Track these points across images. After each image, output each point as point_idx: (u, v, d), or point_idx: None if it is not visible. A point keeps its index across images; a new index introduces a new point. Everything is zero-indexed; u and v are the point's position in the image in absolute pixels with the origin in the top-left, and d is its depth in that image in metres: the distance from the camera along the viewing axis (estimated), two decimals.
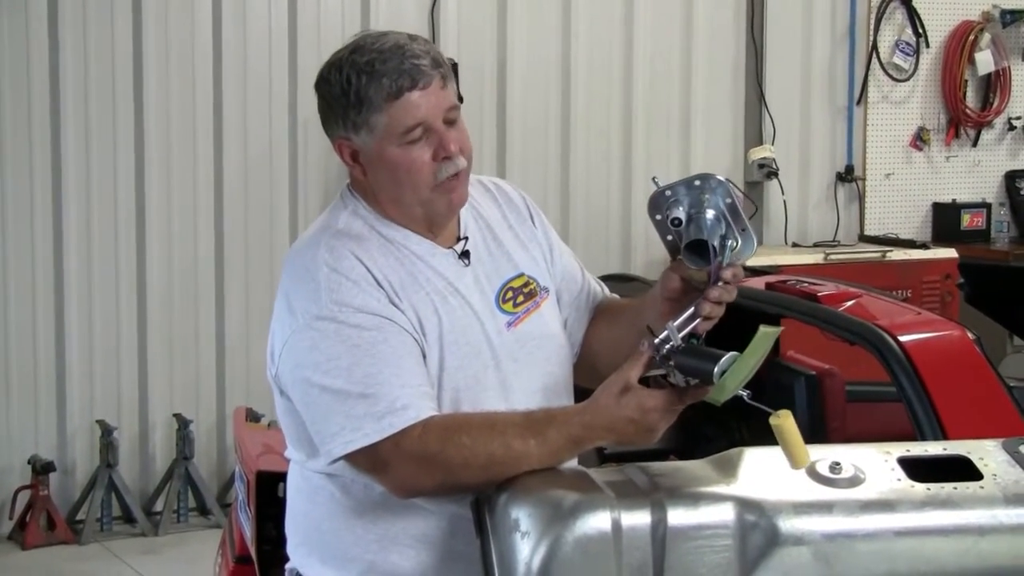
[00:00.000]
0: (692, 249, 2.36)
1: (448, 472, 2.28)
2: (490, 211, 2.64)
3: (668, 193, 2.37)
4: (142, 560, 6.08)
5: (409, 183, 2.42)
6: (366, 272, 2.38)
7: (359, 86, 2.38)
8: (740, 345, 2.32)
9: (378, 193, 2.48)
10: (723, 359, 2.24)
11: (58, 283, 6.35)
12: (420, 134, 2.40)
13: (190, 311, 6.58)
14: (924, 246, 7.60)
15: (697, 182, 2.35)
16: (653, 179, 2.41)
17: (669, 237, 2.39)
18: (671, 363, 2.30)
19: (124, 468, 6.38)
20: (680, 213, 2.35)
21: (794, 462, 2.22)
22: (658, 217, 2.38)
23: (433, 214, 2.47)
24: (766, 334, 2.30)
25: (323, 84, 2.45)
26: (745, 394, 2.27)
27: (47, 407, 6.38)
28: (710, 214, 2.34)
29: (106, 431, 6.29)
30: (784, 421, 2.21)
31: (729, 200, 2.34)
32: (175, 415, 6.47)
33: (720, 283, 2.35)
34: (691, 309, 2.35)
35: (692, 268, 2.37)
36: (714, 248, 2.33)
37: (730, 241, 2.34)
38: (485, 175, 2.80)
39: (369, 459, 2.30)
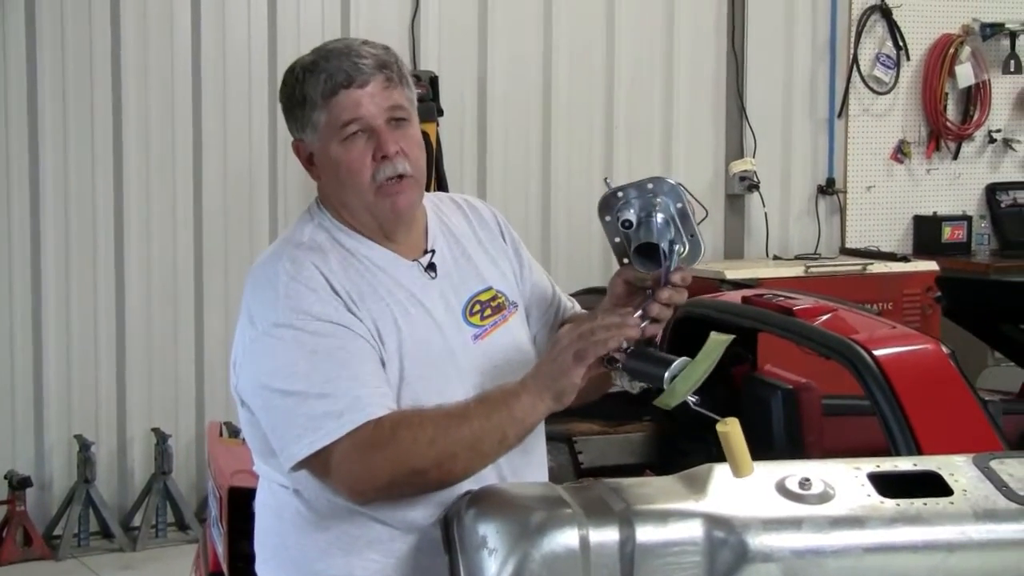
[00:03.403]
0: (641, 252, 2.37)
1: (397, 458, 2.26)
2: (459, 225, 2.64)
3: (619, 195, 2.38)
4: None
5: (349, 183, 2.45)
6: (324, 282, 2.39)
7: (302, 83, 2.44)
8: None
9: (330, 196, 2.51)
10: (674, 364, 2.25)
11: (36, 297, 6.32)
12: (357, 130, 2.42)
13: (169, 325, 6.55)
14: (905, 259, 7.59)
15: (649, 185, 2.36)
16: (605, 180, 2.43)
17: (617, 239, 2.40)
18: (618, 364, 2.30)
19: (102, 483, 6.35)
20: (631, 215, 2.36)
21: (737, 471, 2.22)
22: (608, 218, 2.40)
23: (380, 220, 2.48)
24: (717, 341, 2.30)
25: (281, 87, 2.53)
26: (693, 400, 2.27)
27: (24, 422, 6.34)
28: (660, 218, 2.35)
29: (84, 446, 6.25)
30: (731, 428, 2.21)
31: (680, 205, 2.35)
32: (153, 430, 6.43)
33: (669, 286, 2.35)
34: (639, 311, 2.35)
35: (640, 271, 2.38)
36: (663, 251, 2.33)
37: (678, 246, 2.36)
38: (466, 193, 2.81)
39: (324, 459, 2.30)
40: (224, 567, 3.47)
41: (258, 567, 2.56)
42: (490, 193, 7.06)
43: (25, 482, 6.16)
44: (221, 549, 3.49)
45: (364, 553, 2.39)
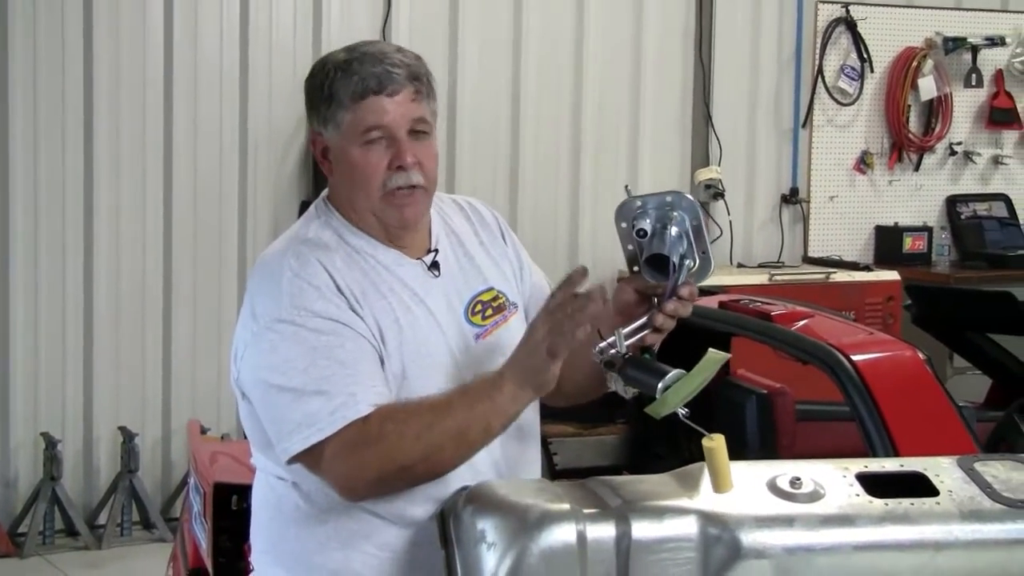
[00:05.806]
0: (651, 263, 2.40)
1: (385, 454, 2.30)
2: (461, 226, 2.68)
3: (638, 204, 2.41)
4: (85, 574, 6.04)
5: (361, 185, 2.47)
6: (329, 279, 2.42)
7: (332, 81, 2.46)
8: (687, 361, 2.36)
9: (339, 194, 2.53)
10: (669, 375, 2.29)
11: (3, 294, 6.31)
12: (379, 137, 2.45)
13: (137, 324, 6.55)
14: (867, 268, 7.69)
15: (668, 198, 2.39)
16: (625, 187, 2.46)
17: (630, 247, 2.43)
18: (615, 369, 2.34)
19: (68, 481, 6.34)
20: (646, 225, 2.39)
21: (717, 486, 2.26)
22: (623, 225, 2.42)
23: (385, 224, 2.51)
24: (714, 359, 2.34)
25: (309, 77, 2.53)
26: (683, 412, 2.31)
27: None
28: (674, 231, 2.38)
29: (50, 444, 6.24)
30: (716, 444, 2.25)
31: (696, 221, 2.38)
32: (120, 428, 6.42)
33: (675, 298, 2.39)
34: (643, 319, 2.40)
35: (649, 281, 2.42)
36: (674, 264, 2.37)
37: (688, 261, 2.39)
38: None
39: (317, 455, 2.33)
40: (207, 563, 3.48)
41: (254, 558, 2.57)
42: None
43: None
44: (205, 545, 3.50)
45: (362, 547, 2.42)
